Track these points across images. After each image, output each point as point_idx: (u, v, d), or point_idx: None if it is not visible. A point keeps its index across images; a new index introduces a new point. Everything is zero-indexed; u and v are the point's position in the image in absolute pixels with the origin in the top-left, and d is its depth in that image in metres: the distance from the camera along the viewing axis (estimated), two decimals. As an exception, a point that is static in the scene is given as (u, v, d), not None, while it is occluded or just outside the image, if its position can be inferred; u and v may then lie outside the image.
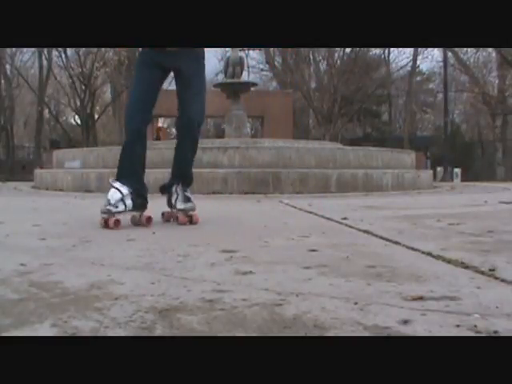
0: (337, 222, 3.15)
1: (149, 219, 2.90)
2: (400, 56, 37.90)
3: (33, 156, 25.35)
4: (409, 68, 27.29)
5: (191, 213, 2.98)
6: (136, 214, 2.92)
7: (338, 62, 25.08)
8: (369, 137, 28.02)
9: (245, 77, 15.05)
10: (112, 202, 2.81)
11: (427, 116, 33.07)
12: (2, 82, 24.40)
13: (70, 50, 23.95)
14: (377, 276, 1.53)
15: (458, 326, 1.04)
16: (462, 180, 18.07)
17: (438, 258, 1.82)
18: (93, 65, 23.32)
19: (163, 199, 3.16)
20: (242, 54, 14.26)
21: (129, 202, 2.86)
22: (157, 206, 3.06)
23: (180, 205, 3.00)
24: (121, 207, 2.84)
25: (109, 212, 2.79)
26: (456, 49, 22.61)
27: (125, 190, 2.87)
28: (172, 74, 3.09)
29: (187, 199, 2.99)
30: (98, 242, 2.29)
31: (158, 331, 1.03)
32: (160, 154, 7.62)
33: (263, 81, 29.17)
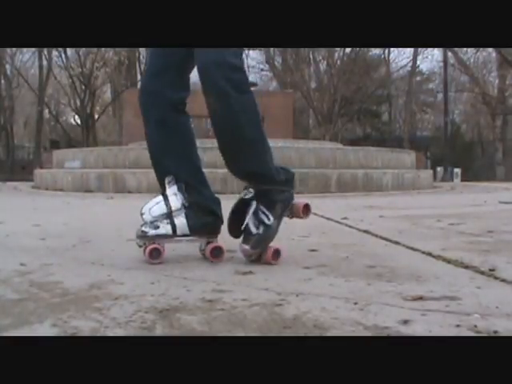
0: (337, 222, 3.15)
1: (215, 250, 1.79)
2: (400, 56, 38.00)
3: (33, 156, 25.35)
4: (409, 68, 27.31)
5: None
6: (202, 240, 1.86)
7: (338, 62, 25.10)
8: (369, 137, 28.02)
9: (245, 77, 15.01)
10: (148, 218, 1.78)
11: (427, 116, 33.05)
12: (2, 81, 24.43)
13: (70, 50, 23.99)
14: (377, 276, 1.53)
15: (458, 325, 1.04)
16: (462, 180, 18.06)
17: (438, 258, 1.82)
18: (93, 65, 23.34)
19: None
20: (241, 54, 14.22)
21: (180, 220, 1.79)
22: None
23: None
24: (162, 228, 1.77)
25: (143, 236, 1.76)
26: (456, 49, 22.62)
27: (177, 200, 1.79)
28: None
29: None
30: (97, 242, 2.29)
31: (158, 331, 1.03)
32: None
33: (263, 81, 29.18)
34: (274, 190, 1.78)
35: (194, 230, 1.79)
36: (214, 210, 1.85)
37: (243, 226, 1.73)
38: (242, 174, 1.81)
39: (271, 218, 1.75)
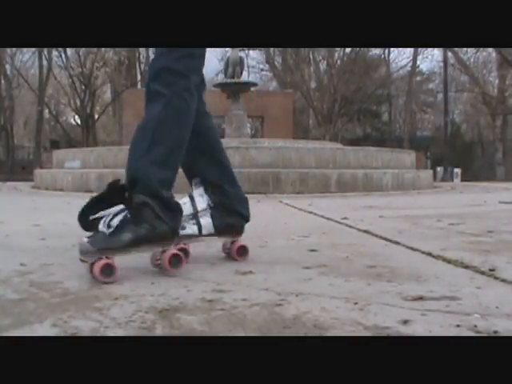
0: (337, 222, 3.15)
1: (241, 249, 1.83)
2: (400, 56, 38.16)
3: (33, 156, 25.36)
4: (409, 68, 27.32)
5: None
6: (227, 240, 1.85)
7: (338, 62, 25.11)
8: (369, 137, 28.03)
9: (245, 77, 15.06)
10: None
11: (427, 116, 33.06)
12: (2, 81, 24.43)
13: (70, 50, 24.00)
14: (377, 276, 1.53)
15: (458, 325, 1.04)
16: (462, 180, 18.07)
17: (438, 257, 1.82)
18: (93, 65, 23.36)
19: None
20: (242, 54, 14.27)
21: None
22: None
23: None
24: (189, 229, 1.76)
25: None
26: (456, 49, 22.62)
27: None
28: None
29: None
30: (98, 242, 2.28)
31: (158, 331, 1.03)
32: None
33: (263, 81, 29.19)
34: (150, 207, 1.53)
35: (219, 229, 1.80)
36: (239, 210, 1.84)
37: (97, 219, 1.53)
38: (127, 178, 1.60)
39: (127, 228, 1.50)
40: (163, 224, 1.55)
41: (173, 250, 1.58)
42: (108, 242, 1.48)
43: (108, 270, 1.44)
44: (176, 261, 1.57)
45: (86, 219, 1.55)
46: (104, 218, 1.51)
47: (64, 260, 1.83)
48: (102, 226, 1.51)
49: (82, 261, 1.50)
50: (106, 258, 1.45)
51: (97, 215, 1.52)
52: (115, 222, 1.50)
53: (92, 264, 1.46)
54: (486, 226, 2.78)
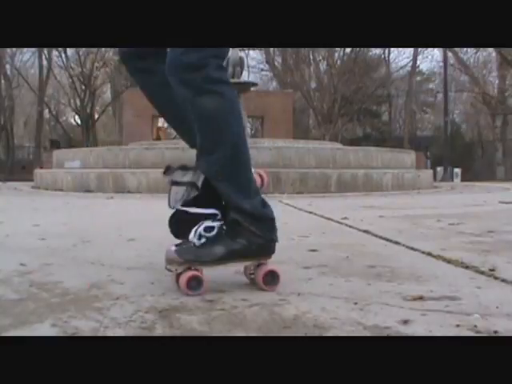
0: (337, 222, 3.15)
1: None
2: (400, 56, 38.08)
3: (33, 156, 25.35)
4: (409, 68, 27.33)
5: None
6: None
7: (338, 62, 25.12)
8: (369, 137, 28.02)
9: (245, 77, 15.05)
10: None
11: (427, 116, 33.06)
12: (2, 81, 24.43)
13: (70, 50, 24.01)
14: (377, 276, 1.53)
15: (458, 325, 1.04)
16: (462, 180, 18.06)
17: (438, 258, 1.82)
18: (93, 65, 23.37)
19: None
20: (242, 54, 14.26)
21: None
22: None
23: None
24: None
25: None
26: (456, 49, 22.63)
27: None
28: None
29: None
30: (97, 242, 2.29)
31: (158, 331, 1.03)
32: (160, 153, 7.64)
33: (263, 81, 29.18)
34: (241, 223, 1.41)
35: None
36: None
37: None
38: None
39: (221, 242, 1.39)
40: (259, 239, 1.40)
41: (269, 265, 1.41)
42: (197, 253, 1.36)
43: (195, 282, 1.33)
44: (271, 278, 1.40)
45: (177, 226, 1.42)
46: (196, 227, 1.38)
47: (64, 260, 1.83)
48: (192, 236, 1.37)
49: (167, 269, 1.39)
50: (194, 269, 1.35)
51: (192, 210, 1.39)
52: (208, 232, 1.39)
53: (178, 275, 1.36)
54: (486, 226, 2.78)
